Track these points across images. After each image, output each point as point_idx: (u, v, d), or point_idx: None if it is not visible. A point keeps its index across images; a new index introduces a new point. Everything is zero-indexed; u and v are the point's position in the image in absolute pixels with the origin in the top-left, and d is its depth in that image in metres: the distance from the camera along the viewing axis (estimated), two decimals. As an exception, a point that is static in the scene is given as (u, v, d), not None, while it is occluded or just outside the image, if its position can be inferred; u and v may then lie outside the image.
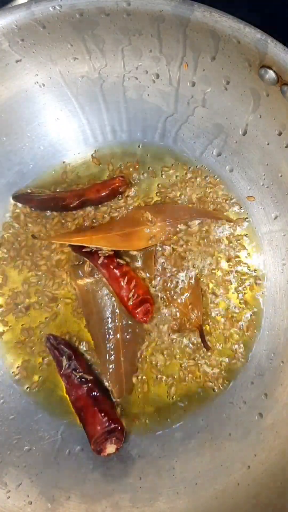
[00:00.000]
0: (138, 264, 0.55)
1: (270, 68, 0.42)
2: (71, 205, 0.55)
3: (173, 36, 0.45)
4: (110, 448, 0.50)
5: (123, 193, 0.57)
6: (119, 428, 0.50)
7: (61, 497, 0.49)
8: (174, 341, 0.55)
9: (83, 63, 0.49)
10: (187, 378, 0.54)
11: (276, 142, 0.49)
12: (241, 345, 0.55)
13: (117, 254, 0.54)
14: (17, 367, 0.54)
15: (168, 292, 0.55)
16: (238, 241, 0.56)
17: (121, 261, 0.54)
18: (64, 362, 0.52)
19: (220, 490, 0.48)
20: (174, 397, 0.54)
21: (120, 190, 0.56)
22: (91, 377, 0.52)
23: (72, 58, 0.48)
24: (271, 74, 0.42)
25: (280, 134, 0.48)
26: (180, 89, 0.51)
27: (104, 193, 0.55)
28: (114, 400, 0.53)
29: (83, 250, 0.54)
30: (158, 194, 0.57)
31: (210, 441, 0.52)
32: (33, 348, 0.54)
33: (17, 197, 0.56)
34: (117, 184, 0.55)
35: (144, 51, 0.48)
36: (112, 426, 0.49)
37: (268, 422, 0.50)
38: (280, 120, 0.47)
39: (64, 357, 0.52)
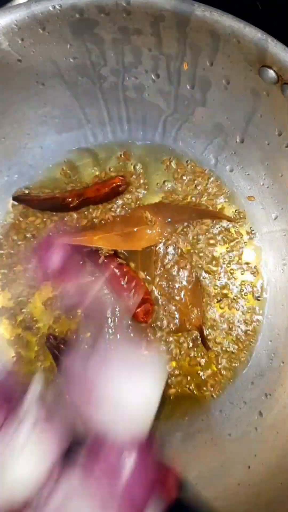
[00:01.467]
0: (138, 264, 0.55)
1: (270, 67, 0.42)
2: (71, 205, 0.55)
3: (173, 36, 0.45)
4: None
5: (123, 193, 0.57)
6: None
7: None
8: (174, 341, 0.55)
9: (83, 62, 0.49)
10: (187, 378, 0.54)
11: (276, 142, 0.49)
12: (241, 345, 0.55)
13: (116, 254, 0.54)
14: (18, 367, 0.54)
15: (168, 292, 0.55)
16: (238, 241, 0.56)
17: (122, 261, 0.54)
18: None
19: (220, 490, 0.48)
20: (173, 397, 0.54)
21: (120, 189, 0.56)
22: (91, 377, 0.52)
23: (72, 57, 0.48)
24: (271, 74, 0.42)
25: (280, 134, 0.48)
26: (180, 88, 0.51)
27: (104, 193, 0.55)
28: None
29: (83, 250, 0.54)
30: (158, 193, 0.57)
31: (210, 441, 0.52)
32: (33, 348, 0.54)
33: (17, 197, 0.56)
34: (117, 184, 0.55)
35: (144, 50, 0.48)
36: None
37: (268, 422, 0.50)
38: (280, 120, 0.47)
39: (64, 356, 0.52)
